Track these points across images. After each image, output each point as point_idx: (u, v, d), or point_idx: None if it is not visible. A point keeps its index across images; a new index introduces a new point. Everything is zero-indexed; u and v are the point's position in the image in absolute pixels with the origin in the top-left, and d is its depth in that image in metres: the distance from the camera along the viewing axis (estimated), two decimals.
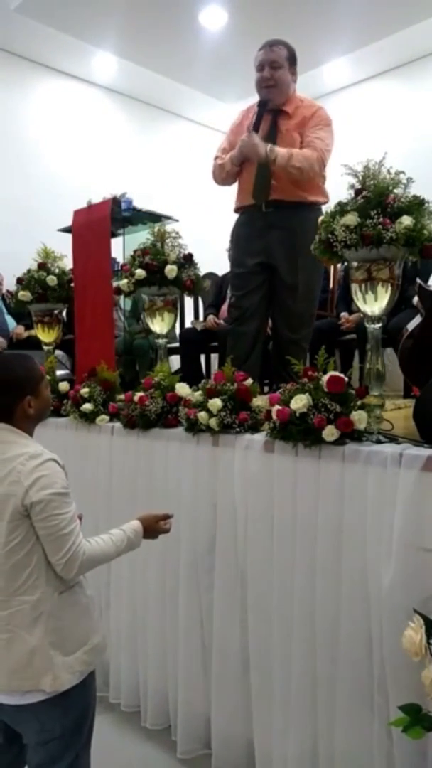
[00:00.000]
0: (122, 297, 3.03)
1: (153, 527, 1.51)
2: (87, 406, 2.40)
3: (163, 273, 2.44)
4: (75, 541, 1.28)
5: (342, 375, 1.55)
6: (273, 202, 2.63)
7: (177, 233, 2.57)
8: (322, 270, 2.74)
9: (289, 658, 1.62)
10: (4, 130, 5.19)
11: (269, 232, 2.65)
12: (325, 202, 2.65)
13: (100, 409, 2.40)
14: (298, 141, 2.61)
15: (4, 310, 4.23)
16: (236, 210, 2.82)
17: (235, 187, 2.82)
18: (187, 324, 4.21)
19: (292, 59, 2.68)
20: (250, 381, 1.89)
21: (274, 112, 2.66)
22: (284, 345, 2.69)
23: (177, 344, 3.89)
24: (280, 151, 2.52)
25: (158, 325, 2.62)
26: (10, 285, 3.57)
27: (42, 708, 1.28)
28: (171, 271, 2.43)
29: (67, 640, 1.31)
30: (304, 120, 2.63)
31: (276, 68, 2.62)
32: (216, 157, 2.84)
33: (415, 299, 2.10)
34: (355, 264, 1.75)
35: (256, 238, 2.68)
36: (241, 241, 2.78)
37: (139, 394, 2.13)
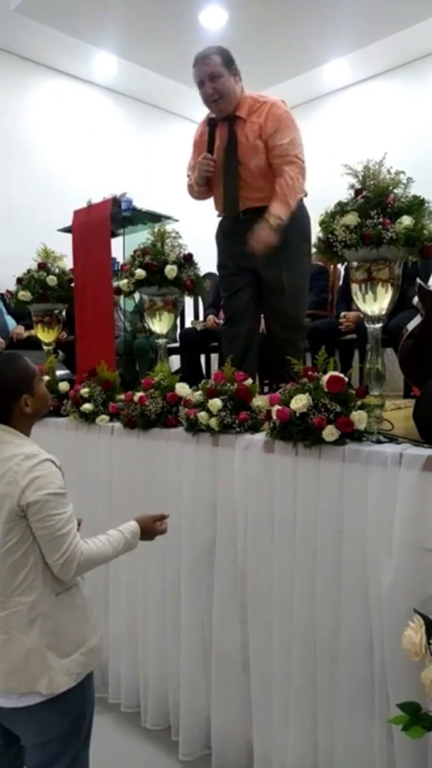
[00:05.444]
0: (122, 297, 3.03)
1: (150, 528, 1.52)
2: (87, 406, 2.40)
3: (163, 273, 2.44)
4: (72, 541, 1.28)
5: (342, 375, 1.55)
6: (246, 210, 2.60)
7: (177, 233, 2.57)
8: (308, 267, 2.70)
9: (289, 658, 1.62)
10: (4, 129, 5.18)
11: (246, 239, 2.60)
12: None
13: (100, 409, 2.39)
14: (260, 147, 2.53)
15: (4, 310, 4.23)
16: (217, 215, 2.82)
17: None
18: (187, 324, 4.21)
19: (228, 63, 2.52)
20: (249, 381, 1.89)
21: (228, 119, 2.58)
22: (280, 345, 2.67)
23: (177, 344, 3.89)
24: (274, 212, 2.44)
25: (158, 325, 2.63)
26: (10, 285, 3.56)
27: (39, 710, 1.28)
28: (171, 271, 2.44)
29: (64, 642, 1.31)
30: (261, 126, 2.53)
31: (215, 79, 2.49)
32: (187, 176, 2.82)
33: (415, 299, 2.10)
34: (355, 264, 1.75)
35: (235, 244, 2.65)
36: (221, 246, 2.78)
37: (139, 394, 2.13)
